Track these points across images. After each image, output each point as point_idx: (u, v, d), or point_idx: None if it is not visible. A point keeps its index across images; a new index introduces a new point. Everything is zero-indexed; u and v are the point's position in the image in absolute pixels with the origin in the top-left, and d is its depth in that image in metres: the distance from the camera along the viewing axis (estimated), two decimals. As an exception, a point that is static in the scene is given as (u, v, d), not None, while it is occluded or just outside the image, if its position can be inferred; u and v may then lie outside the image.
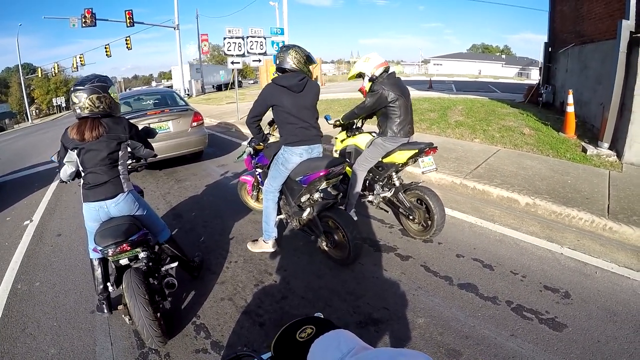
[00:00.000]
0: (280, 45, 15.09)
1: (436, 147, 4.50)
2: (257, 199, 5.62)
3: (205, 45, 40.85)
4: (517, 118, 10.42)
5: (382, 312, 3.38)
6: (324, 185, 4.08)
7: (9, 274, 4.94)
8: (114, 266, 3.27)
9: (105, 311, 3.38)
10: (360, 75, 4.61)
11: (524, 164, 6.85)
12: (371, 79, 4.50)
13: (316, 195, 4.21)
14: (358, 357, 0.70)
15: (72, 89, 3.15)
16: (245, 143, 4.73)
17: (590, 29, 9.52)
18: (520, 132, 8.91)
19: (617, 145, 7.01)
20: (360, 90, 4.76)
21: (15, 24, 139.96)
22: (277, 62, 4.00)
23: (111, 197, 3.24)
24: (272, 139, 4.63)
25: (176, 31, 36.75)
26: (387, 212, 5.23)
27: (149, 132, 3.91)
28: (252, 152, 4.92)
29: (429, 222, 4.43)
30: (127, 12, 30.61)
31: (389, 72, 4.53)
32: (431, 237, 4.46)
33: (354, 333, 0.98)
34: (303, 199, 4.19)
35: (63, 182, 3.53)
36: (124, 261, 3.18)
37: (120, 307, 3.20)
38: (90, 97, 3.07)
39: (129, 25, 30.81)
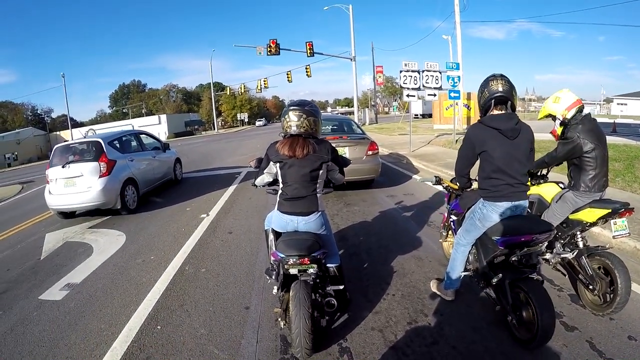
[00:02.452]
0: (455, 80, 15.02)
1: (633, 208, 3.92)
2: (445, 239, 5.30)
3: (380, 77, 42.44)
4: None
5: (533, 382, 3.13)
6: (523, 251, 3.58)
7: (180, 256, 5.67)
8: (282, 272, 3.49)
9: (273, 277, 3.63)
10: (551, 116, 4.27)
11: None
12: (563, 123, 4.13)
13: (512, 259, 3.65)
14: None
15: (289, 107, 3.52)
16: (424, 177, 4.68)
17: None
18: None
19: None
20: (552, 133, 4.40)
21: (209, 49, 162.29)
22: (481, 97, 3.60)
23: (306, 213, 3.55)
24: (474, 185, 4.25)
25: (352, 62, 38.50)
26: (564, 275, 4.55)
27: (345, 161, 4.14)
28: (449, 190, 4.78)
29: (610, 297, 3.83)
30: (307, 43, 33.22)
31: (584, 113, 4.11)
32: (608, 314, 3.90)
33: None
34: (496, 260, 3.79)
35: (254, 185, 3.95)
36: (294, 271, 3.42)
37: (277, 310, 3.46)
38: (309, 118, 3.43)
39: (309, 55, 33.36)
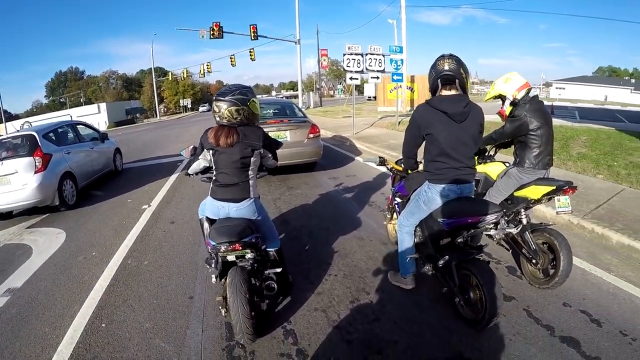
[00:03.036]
0: (399, 63, 15.23)
1: (576, 186, 4.04)
2: (390, 221, 5.24)
3: (324, 60, 42.33)
4: (648, 155, 9.51)
5: (473, 353, 3.26)
6: (470, 233, 3.56)
7: (122, 250, 5.54)
8: (220, 260, 3.45)
9: (213, 266, 3.54)
10: (500, 97, 4.33)
11: (651, 208, 6.23)
12: (512, 103, 4.20)
13: (458, 240, 3.61)
14: None
15: (214, 97, 3.43)
16: (378, 157, 4.66)
17: None
18: (650, 172, 8.08)
19: None
20: (499, 113, 4.45)
21: (151, 33, 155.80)
22: (430, 78, 3.49)
23: (238, 200, 3.51)
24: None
25: (297, 45, 38.06)
26: (508, 250, 4.78)
27: (277, 143, 4.07)
28: (394, 172, 4.76)
29: (552, 271, 3.98)
30: (251, 26, 32.55)
31: (532, 95, 4.21)
32: (551, 287, 4.00)
33: None
34: (442, 242, 3.75)
35: (188, 174, 3.87)
36: (231, 258, 3.40)
37: (219, 298, 3.41)
38: (230, 109, 3.33)
39: (253, 38, 32.73)
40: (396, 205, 4.72)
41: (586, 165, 8.76)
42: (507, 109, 4.26)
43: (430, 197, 3.58)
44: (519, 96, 4.16)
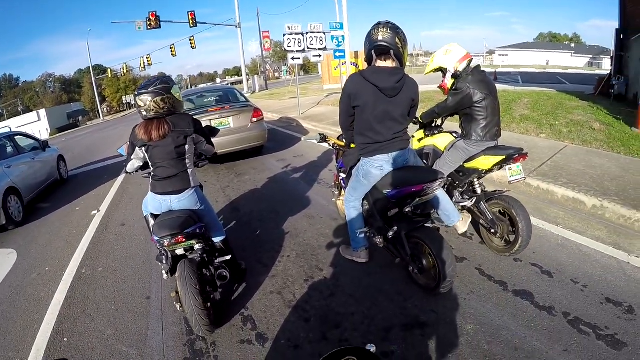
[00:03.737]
0: (340, 39, 15.16)
1: (526, 153, 3.99)
2: (339, 198, 5.15)
3: (267, 42, 41.61)
4: (587, 112, 9.86)
5: (429, 315, 3.29)
6: (415, 202, 3.47)
7: (75, 259, 5.31)
8: (170, 256, 3.37)
9: (164, 262, 3.44)
10: (440, 70, 4.14)
11: (592, 162, 6.46)
12: (454, 75, 4.04)
13: (406, 210, 3.54)
14: None
15: (136, 92, 3.31)
16: (319, 134, 4.58)
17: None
18: (590, 128, 8.41)
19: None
20: (441, 87, 4.26)
21: (85, 29, 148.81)
22: (367, 47, 3.30)
23: (178, 191, 3.42)
24: None
25: (238, 29, 37.26)
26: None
27: (212, 131, 3.99)
28: (336, 148, 4.69)
29: (513, 238, 3.95)
30: (189, 13, 31.80)
31: (474, 66, 4.05)
32: (514, 253, 3.97)
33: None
34: (390, 213, 3.67)
35: (128, 173, 3.74)
36: (179, 251, 3.34)
37: (173, 294, 3.31)
38: (155, 99, 3.21)
39: (192, 25, 32.02)
40: (342, 181, 4.66)
41: (529, 126, 9.01)
42: (449, 81, 4.13)
43: (367, 171, 3.55)
44: (461, 68, 4.00)
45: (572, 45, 74.95)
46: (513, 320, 3.18)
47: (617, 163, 6.32)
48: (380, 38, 3.13)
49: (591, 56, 63.39)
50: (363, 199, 3.85)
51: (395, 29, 3.15)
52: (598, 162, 6.40)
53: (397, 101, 3.30)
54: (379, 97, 3.23)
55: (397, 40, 3.14)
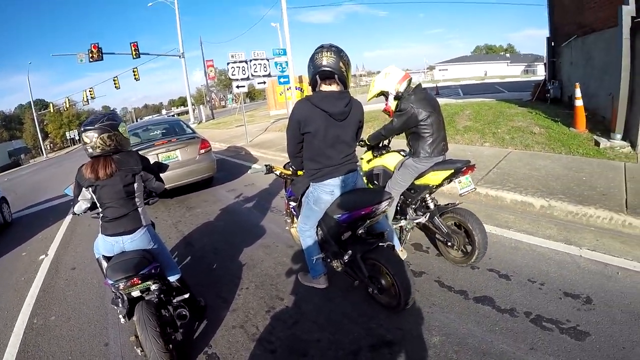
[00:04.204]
0: (283, 65, 15.31)
1: (474, 165, 4.08)
2: (292, 225, 5.05)
3: (211, 71, 41.33)
4: (526, 117, 10.21)
5: (395, 333, 3.28)
6: (367, 224, 3.52)
7: (26, 309, 5.02)
8: (126, 298, 3.23)
9: (120, 305, 3.29)
10: (382, 94, 4.21)
11: (536, 164, 6.72)
12: (396, 97, 4.09)
13: (359, 232, 3.58)
14: None
15: (82, 129, 3.18)
16: (256, 166, 4.50)
17: (591, 18, 9.31)
18: (530, 132, 8.74)
19: (630, 135, 6.82)
20: (385, 110, 4.30)
21: (25, 62, 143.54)
22: (311, 71, 3.28)
23: (130, 231, 3.29)
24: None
25: (182, 59, 36.93)
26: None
27: (161, 166, 3.90)
28: (283, 177, 4.63)
29: (470, 248, 4.03)
30: (132, 44, 30.97)
31: (414, 85, 4.14)
32: (473, 263, 4.04)
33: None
34: (343, 237, 3.68)
35: (76, 214, 3.59)
36: (135, 293, 3.20)
37: (132, 338, 3.14)
38: (102, 136, 3.12)
39: (135, 56, 31.13)
40: (292, 210, 4.64)
41: (473, 136, 9.30)
42: (393, 104, 4.18)
43: (317, 197, 3.54)
44: (401, 89, 4.06)
45: (508, 55, 78.66)
46: (477, 327, 3.21)
47: (559, 163, 6.60)
48: (324, 63, 3.14)
49: (526, 64, 66.94)
50: (317, 226, 3.83)
51: (338, 52, 3.17)
52: (541, 164, 6.66)
53: (346, 124, 3.33)
54: (330, 122, 3.24)
55: (340, 64, 3.16)
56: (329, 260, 3.90)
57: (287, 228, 5.33)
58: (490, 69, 65.22)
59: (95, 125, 3.12)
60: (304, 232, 3.81)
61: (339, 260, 3.72)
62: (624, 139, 6.97)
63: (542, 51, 17.80)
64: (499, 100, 14.52)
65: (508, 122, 9.93)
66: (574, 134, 8.07)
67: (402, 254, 4.13)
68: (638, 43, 6.38)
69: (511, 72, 59.74)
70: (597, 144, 7.18)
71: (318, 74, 3.21)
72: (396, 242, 4.03)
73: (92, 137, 3.10)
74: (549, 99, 12.41)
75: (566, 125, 8.72)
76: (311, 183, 3.56)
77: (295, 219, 4.65)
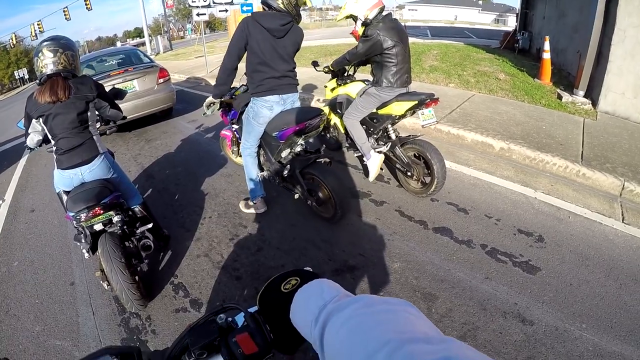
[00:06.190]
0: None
1: (438, 98, 4.10)
2: (239, 154, 5.05)
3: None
4: (493, 63, 10.30)
5: (357, 259, 3.39)
6: (301, 140, 3.75)
7: None
8: (88, 232, 3.12)
9: (83, 241, 3.19)
10: (352, 17, 4.14)
11: (498, 109, 6.82)
12: (365, 23, 4.03)
13: (298, 149, 3.84)
14: (340, 303, 0.66)
15: (43, 43, 2.97)
16: (209, 98, 4.41)
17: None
18: (496, 78, 8.81)
19: (593, 94, 6.96)
20: (353, 34, 4.33)
21: None
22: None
23: (87, 160, 3.12)
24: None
25: None
26: (382, 169, 4.84)
27: (118, 93, 3.70)
28: (225, 107, 4.62)
29: (429, 179, 4.14)
30: None
31: (385, 14, 4.06)
32: (431, 194, 4.17)
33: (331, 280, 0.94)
34: (283, 154, 3.85)
35: (30, 149, 3.36)
36: (98, 226, 3.06)
37: (97, 273, 3.11)
38: (66, 52, 2.96)
39: None
40: (236, 133, 4.77)
41: (438, 77, 9.30)
42: (360, 29, 4.14)
43: (257, 111, 3.71)
44: (371, 16, 3.99)
45: (480, 2, 77.71)
46: (436, 255, 3.37)
47: (521, 110, 6.72)
48: (274, 5, 3.46)
49: (497, 14, 66.39)
50: (258, 147, 4.02)
51: None
52: (504, 109, 6.77)
53: (284, 42, 3.54)
54: (267, 36, 3.45)
55: None
56: (270, 178, 4.17)
57: (235, 159, 5.49)
58: (460, 14, 64.63)
59: (61, 41, 2.95)
60: (246, 151, 4.01)
61: (279, 177, 4.02)
62: (586, 96, 7.09)
63: (515, 2, 17.66)
64: (467, 44, 14.51)
65: (474, 66, 9.99)
66: (538, 85, 8.19)
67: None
68: (612, 7, 6.40)
69: (482, 19, 59.25)
70: (559, 97, 7.30)
71: (263, 4, 3.56)
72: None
73: (56, 51, 2.92)
74: (517, 49, 12.49)
75: (531, 75, 8.82)
76: (252, 98, 3.73)
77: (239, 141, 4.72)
